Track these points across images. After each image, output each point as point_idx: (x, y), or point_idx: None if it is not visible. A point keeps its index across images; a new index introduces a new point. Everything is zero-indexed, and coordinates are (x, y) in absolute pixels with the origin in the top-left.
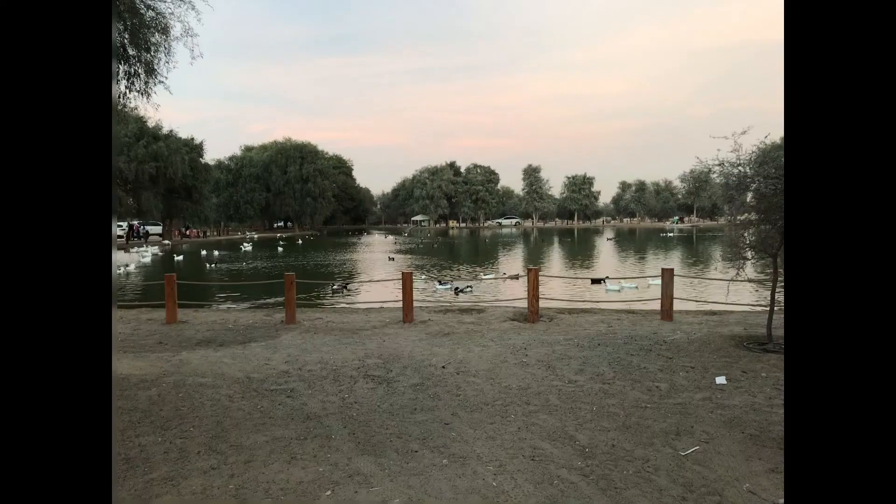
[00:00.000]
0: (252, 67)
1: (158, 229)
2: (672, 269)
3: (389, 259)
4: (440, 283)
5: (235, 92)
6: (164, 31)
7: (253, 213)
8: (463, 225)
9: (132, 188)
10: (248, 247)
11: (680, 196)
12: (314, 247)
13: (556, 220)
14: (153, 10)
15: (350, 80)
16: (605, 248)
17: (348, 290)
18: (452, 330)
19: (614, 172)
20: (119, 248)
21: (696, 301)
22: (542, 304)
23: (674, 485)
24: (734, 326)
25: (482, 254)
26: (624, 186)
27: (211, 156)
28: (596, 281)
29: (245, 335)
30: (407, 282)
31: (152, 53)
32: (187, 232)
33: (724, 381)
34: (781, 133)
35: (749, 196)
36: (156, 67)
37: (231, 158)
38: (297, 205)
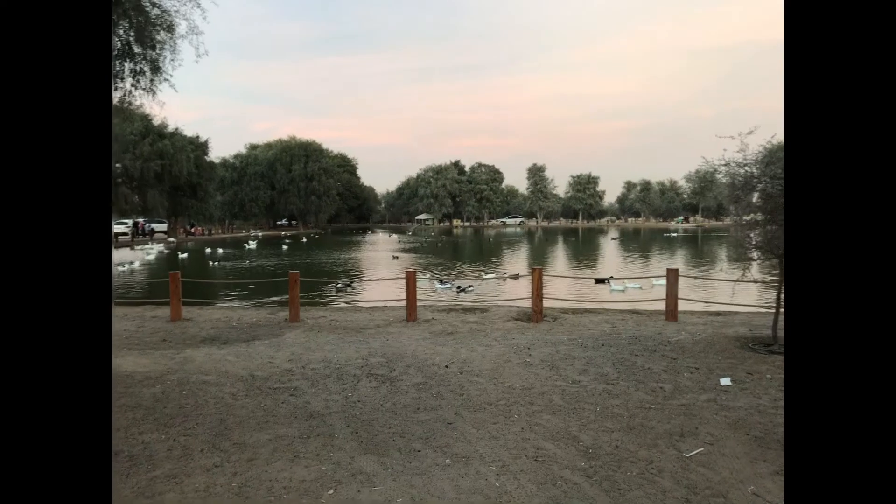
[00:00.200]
0: (256, 66)
1: (164, 227)
2: (677, 270)
3: (394, 258)
4: (440, 282)
5: (240, 90)
6: (170, 28)
7: (258, 211)
8: (467, 224)
9: (137, 186)
10: (252, 244)
11: (685, 196)
12: (319, 245)
13: (561, 219)
14: (159, 7)
15: (352, 79)
16: (609, 247)
17: (352, 289)
18: (456, 329)
19: (616, 172)
20: (124, 246)
21: (702, 302)
22: (545, 303)
23: (678, 486)
24: (739, 327)
25: (486, 253)
26: (629, 186)
27: (215, 154)
28: (600, 281)
29: (249, 333)
30: (411, 281)
31: (157, 51)
32: (192, 230)
33: (729, 383)
34: None
35: (755, 196)
36: (161, 65)
37: (236, 156)
38: (302, 203)
